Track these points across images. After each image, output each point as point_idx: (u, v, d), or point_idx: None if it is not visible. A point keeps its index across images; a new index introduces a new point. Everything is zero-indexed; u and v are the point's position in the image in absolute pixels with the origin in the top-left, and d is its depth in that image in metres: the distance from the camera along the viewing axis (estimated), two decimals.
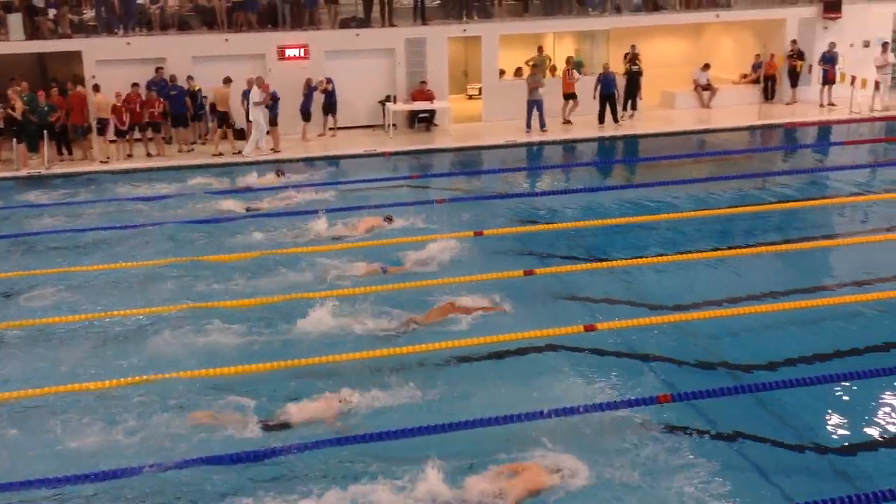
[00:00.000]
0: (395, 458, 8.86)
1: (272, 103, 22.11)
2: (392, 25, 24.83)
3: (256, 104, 21.86)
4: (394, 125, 24.13)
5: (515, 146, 22.77)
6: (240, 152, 22.06)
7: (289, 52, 23.89)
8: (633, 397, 10.09)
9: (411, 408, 9.89)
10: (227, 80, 22.24)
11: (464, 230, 16.00)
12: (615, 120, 24.44)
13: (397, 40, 24.53)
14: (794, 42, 25.83)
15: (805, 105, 25.79)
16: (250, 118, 22.14)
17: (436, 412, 9.73)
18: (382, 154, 21.92)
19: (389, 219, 16.10)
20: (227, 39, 23.74)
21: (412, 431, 9.20)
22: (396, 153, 22.08)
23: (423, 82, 24.36)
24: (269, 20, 24.57)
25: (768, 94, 25.85)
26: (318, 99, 23.45)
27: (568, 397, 10.12)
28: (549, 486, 8.50)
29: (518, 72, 26.08)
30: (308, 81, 23.13)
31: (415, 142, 23.44)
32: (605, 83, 24.35)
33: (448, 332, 11.63)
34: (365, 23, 24.83)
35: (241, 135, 22.67)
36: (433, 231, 15.93)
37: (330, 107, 23.61)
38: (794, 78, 25.96)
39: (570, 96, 24.84)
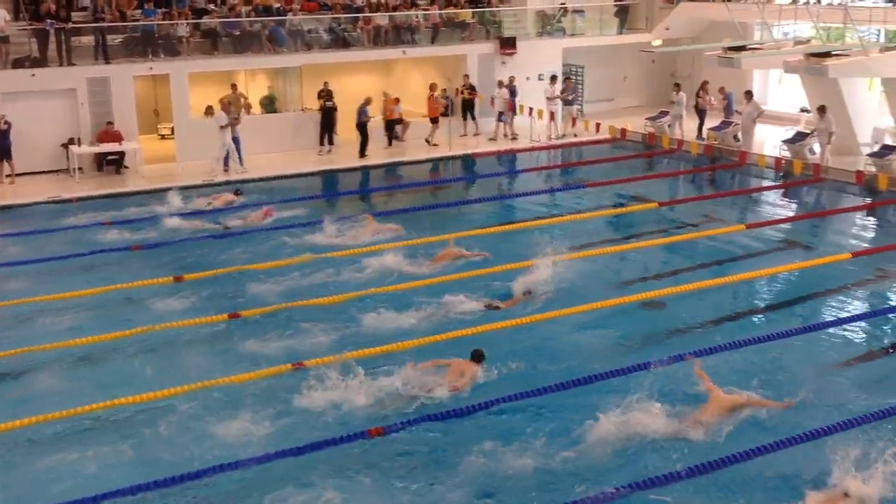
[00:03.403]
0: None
1: None
2: (71, 64, 23.48)
3: (223, 127, 22.75)
4: (80, 169, 22.78)
5: (213, 186, 22.21)
6: None
7: None
8: (343, 434, 10.14)
9: None
10: None
11: (163, 275, 15.42)
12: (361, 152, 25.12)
13: (78, 80, 23.23)
14: (465, 76, 27.21)
15: (488, 136, 27.13)
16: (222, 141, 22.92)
17: None
18: (69, 200, 20.62)
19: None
20: None
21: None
22: (84, 198, 20.85)
23: (110, 123, 23.23)
24: None
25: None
26: None
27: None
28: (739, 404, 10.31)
29: (209, 110, 25.52)
30: None
31: (104, 185, 22.24)
32: (359, 115, 24.96)
33: None
34: (41, 62, 23.29)
35: None
36: (129, 279, 15.26)
37: (3, 151, 21.89)
38: (469, 110, 27.28)
39: (435, 120, 26.07)
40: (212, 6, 26.35)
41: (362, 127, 25.15)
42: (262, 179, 22.62)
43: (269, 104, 26.79)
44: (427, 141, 26.32)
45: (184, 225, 18.59)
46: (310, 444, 9.96)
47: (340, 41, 26.95)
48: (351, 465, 9.76)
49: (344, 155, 25.28)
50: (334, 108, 25.35)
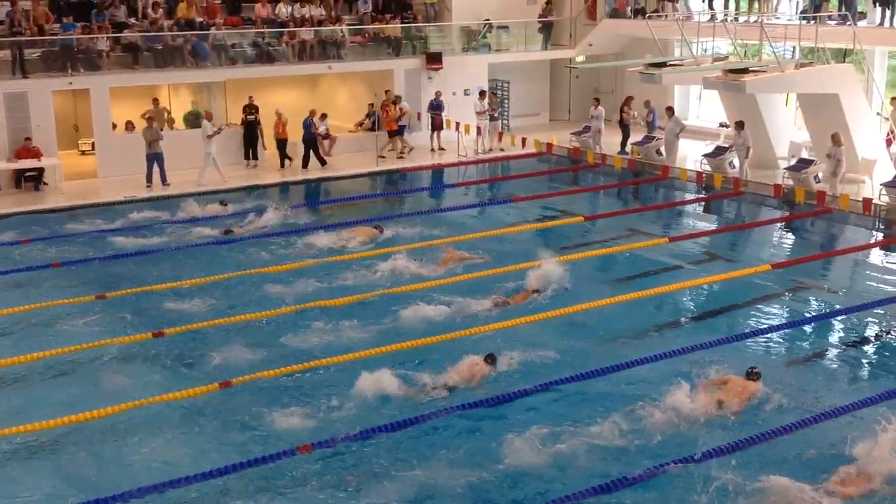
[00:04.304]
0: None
1: None
2: None
3: (209, 137, 23.07)
4: None
5: (136, 202, 21.81)
6: None
7: None
8: (271, 451, 10.05)
9: None
10: None
11: (85, 294, 15.09)
12: (321, 163, 25.29)
13: None
14: (387, 92, 27.11)
15: (416, 150, 27.11)
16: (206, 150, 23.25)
17: None
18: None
19: (380, 229, 18.23)
20: None
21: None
22: (2, 216, 20.32)
23: (28, 139, 22.66)
24: None
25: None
26: None
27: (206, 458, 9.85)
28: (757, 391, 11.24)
29: (128, 125, 25.09)
30: None
31: (22, 202, 21.69)
32: (305, 127, 25.03)
33: None
34: None
35: None
36: (51, 297, 14.92)
37: None
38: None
39: (394, 133, 26.27)
40: (132, 20, 25.92)
41: (311, 141, 25.19)
42: (178, 196, 22.19)
43: (193, 119, 26.46)
44: (401, 154, 26.49)
45: (110, 241, 18.30)
46: (238, 463, 9.83)
47: (265, 56, 26.76)
48: (280, 483, 9.66)
49: (270, 170, 25.08)
50: (256, 122, 25.16)
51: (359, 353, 12.54)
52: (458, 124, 26.35)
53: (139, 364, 12.68)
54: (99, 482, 9.68)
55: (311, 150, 25.28)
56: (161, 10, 26.09)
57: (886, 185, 20.24)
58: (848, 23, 23.20)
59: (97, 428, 10.78)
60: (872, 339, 13.90)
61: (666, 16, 27.65)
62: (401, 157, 26.38)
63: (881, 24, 23.78)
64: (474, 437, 10.54)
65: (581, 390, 11.66)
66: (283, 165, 25.33)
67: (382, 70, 27.87)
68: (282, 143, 25.30)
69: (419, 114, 27.46)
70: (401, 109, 26.84)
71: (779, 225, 20.48)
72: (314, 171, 24.97)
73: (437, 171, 25.71)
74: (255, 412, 11.11)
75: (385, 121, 26.58)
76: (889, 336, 13.91)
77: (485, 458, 10.02)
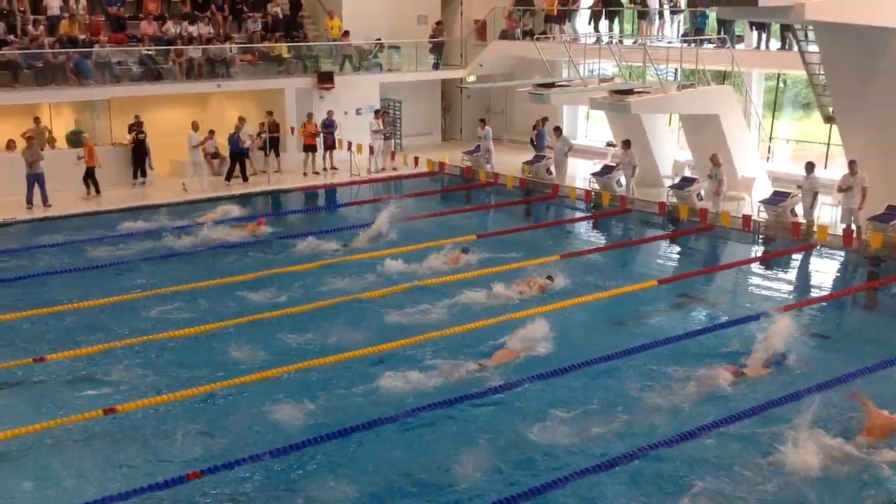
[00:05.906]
0: None
1: None
2: None
3: (195, 147, 24.28)
4: None
5: (16, 223, 21.08)
6: None
7: None
8: (161, 479, 9.81)
9: None
10: None
11: None
12: (244, 178, 25.55)
13: None
14: (269, 113, 26.61)
15: (300, 171, 26.90)
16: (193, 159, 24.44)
17: None
18: None
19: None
20: None
21: None
22: None
23: None
24: None
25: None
26: None
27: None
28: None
29: (9, 145, 24.21)
30: None
31: None
32: (232, 142, 25.19)
33: None
34: None
35: None
36: None
37: None
38: (273, 146, 26.66)
39: (310, 148, 26.45)
40: (12, 37, 25.09)
41: (238, 154, 25.46)
42: (60, 217, 21.56)
43: (76, 139, 25.68)
44: (316, 171, 26.76)
45: None
46: (125, 492, 9.54)
47: (151, 74, 26.22)
48: None
49: (161, 188, 24.55)
50: (144, 141, 24.63)
51: (248, 377, 12.37)
52: (350, 144, 26.31)
53: (21, 391, 12.22)
54: None
55: (239, 164, 25.55)
56: (42, 27, 25.35)
57: (764, 202, 21.05)
58: (726, 46, 24.11)
59: None
60: (753, 350, 14.34)
61: (553, 38, 28.24)
62: (316, 174, 26.56)
63: (757, 47, 24.84)
64: (360, 458, 10.50)
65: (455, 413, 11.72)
66: (88, 193, 23.85)
67: (273, 89, 27.64)
68: (90, 171, 23.74)
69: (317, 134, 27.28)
70: (315, 126, 26.75)
71: (664, 241, 21.04)
72: (205, 191, 24.56)
73: (330, 190, 25.59)
74: (142, 438, 10.84)
75: (304, 136, 26.58)
76: (771, 346, 14.42)
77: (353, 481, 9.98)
